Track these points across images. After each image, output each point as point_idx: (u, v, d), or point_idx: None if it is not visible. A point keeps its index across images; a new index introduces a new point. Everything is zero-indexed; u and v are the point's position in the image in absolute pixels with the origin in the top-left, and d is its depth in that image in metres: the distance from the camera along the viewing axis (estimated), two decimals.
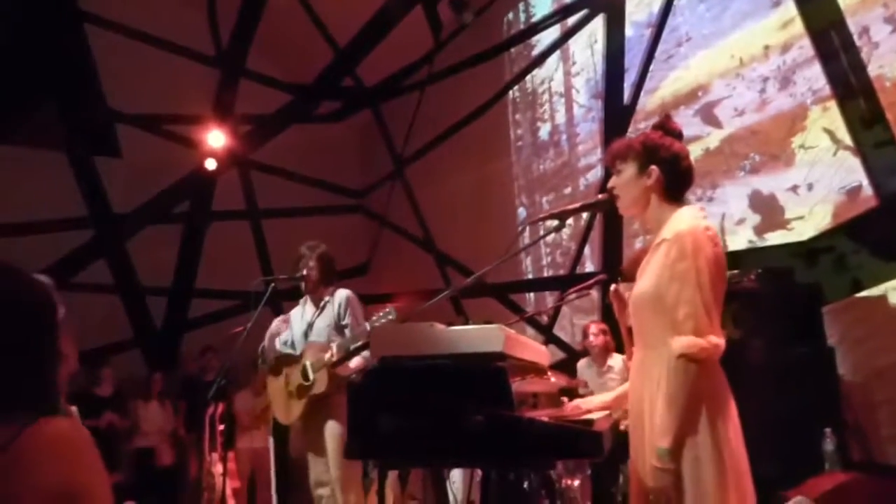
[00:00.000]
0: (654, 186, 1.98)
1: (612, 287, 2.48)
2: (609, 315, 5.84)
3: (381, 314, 3.46)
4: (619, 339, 4.66)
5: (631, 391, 2.02)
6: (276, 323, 4.01)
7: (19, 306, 1.17)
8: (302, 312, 3.94)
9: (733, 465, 1.78)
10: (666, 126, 2.07)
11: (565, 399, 2.83)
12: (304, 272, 3.85)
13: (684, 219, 1.91)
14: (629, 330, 2.31)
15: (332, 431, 3.62)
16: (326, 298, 3.84)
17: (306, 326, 3.85)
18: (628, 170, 2.02)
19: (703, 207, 2.09)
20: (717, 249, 1.88)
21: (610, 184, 2.10)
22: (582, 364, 4.76)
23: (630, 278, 3.18)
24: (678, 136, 2.06)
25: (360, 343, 3.47)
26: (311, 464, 3.80)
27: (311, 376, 3.62)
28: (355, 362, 3.59)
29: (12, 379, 1.12)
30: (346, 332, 3.72)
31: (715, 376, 1.86)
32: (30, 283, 1.22)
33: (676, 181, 2.00)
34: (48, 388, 1.19)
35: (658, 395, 1.83)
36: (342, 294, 3.81)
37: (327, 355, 3.58)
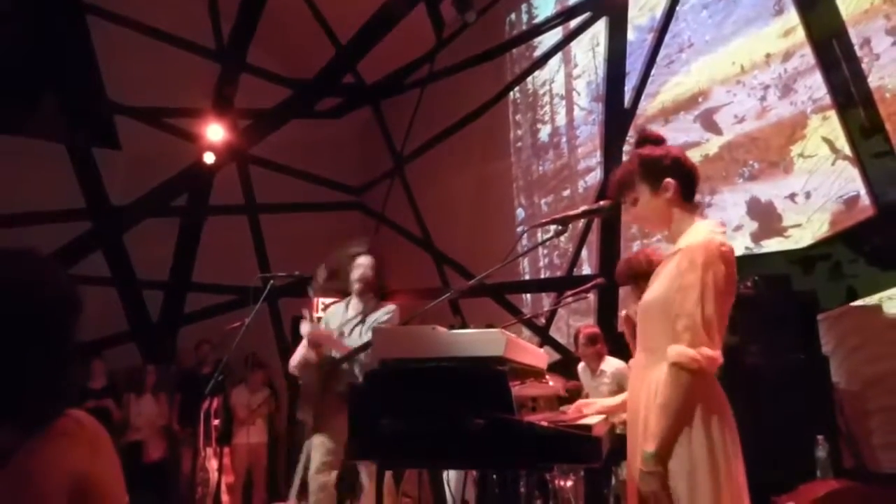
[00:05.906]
0: (674, 197, 1.98)
1: (623, 313, 2.50)
2: (603, 317, 5.89)
3: None
4: (613, 343, 4.70)
5: (630, 394, 2.04)
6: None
7: (47, 298, 1.18)
8: (344, 311, 3.83)
9: (729, 476, 1.79)
10: (649, 139, 2.07)
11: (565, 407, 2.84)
12: (359, 272, 3.78)
13: (700, 231, 1.93)
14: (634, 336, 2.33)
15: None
16: (372, 305, 3.75)
17: (342, 326, 3.75)
18: (643, 193, 2.00)
19: (724, 223, 2.09)
20: (730, 267, 1.89)
21: (629, 218, 2.09)
22: (580, 367, 4.86)
23: (622, 283, 3.21)
24: (662, 141, 2.07)
25: (362, 343, 3.47)
26: (315, 445, 3.60)
27: None
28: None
29: (43, 370, 1.14)
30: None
31: (711, 388, 1.87)
32: (55, 272, 1.23)
33: (688, 183, 2.01)
34: (73, 378, 1.21)
35: (654, 400, 1.85)
36: (390, 307, 3.74)
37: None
